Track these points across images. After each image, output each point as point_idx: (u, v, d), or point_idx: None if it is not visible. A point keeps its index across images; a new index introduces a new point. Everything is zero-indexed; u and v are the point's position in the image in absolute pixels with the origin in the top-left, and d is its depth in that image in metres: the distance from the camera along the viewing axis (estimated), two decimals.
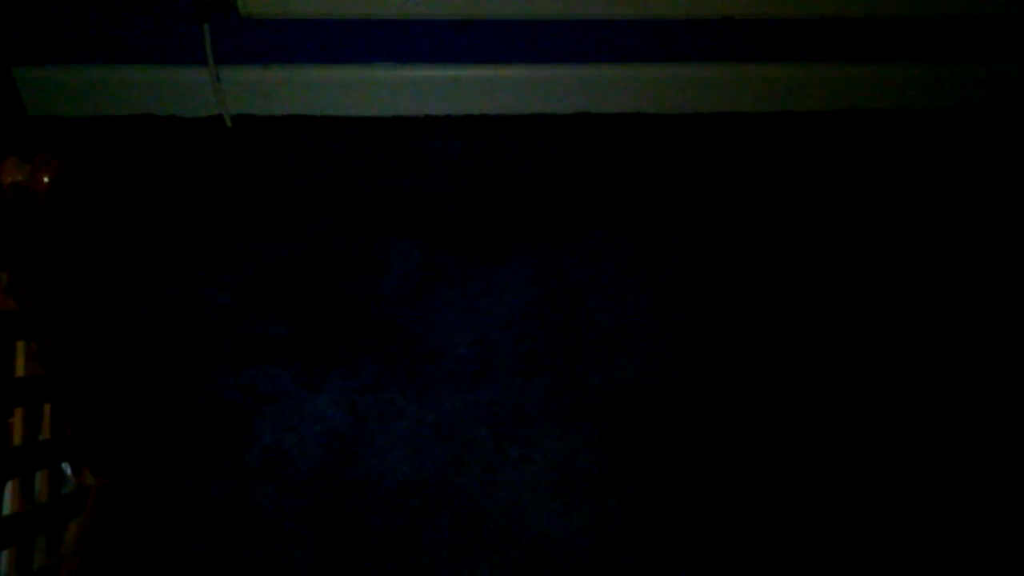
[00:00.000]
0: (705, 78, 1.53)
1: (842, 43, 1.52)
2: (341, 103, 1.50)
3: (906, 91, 1.59)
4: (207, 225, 1.34)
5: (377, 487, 1.07)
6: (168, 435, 1.11)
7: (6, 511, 0.83)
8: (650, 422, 1.14)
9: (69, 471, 0.98)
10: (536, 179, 1.43)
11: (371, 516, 1.05)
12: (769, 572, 1.02)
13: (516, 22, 1.44)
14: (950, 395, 1.19)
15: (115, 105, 1.49)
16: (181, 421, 1.12)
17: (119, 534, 1.02)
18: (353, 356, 1.19)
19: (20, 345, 0.83)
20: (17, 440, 0.82)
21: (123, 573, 1.00)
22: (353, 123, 1.50)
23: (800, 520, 1.06)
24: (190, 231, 1.33)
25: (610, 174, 1.45)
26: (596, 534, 1.04)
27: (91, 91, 1.47)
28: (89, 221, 1.34)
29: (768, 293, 1.29)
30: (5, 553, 0.81)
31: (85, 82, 1.46)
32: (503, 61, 1.49)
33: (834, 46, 1.51)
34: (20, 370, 0.83)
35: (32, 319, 0.82)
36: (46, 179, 0.74)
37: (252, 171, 1.42)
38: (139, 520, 1.03)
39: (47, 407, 0.89)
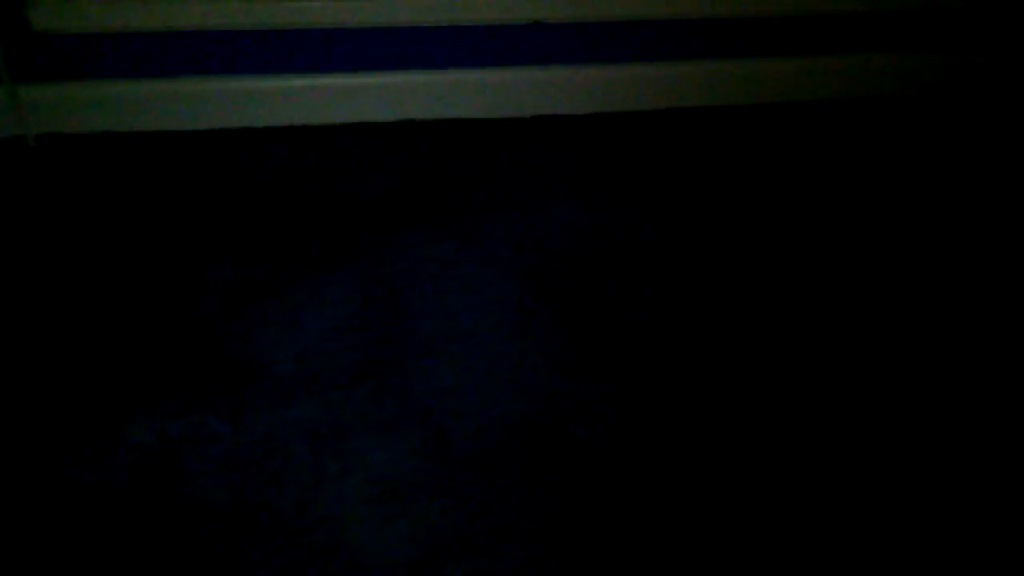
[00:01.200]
0: (527, 80, 1.54)
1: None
2: (151, 118, 1.45)
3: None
4: (7, 251, 1.26)
5: (193, 514, 1.03)
6: None
7: None
8: (474, 427, 1.14)
9: None
10: (360, 187, 1.42)
11: (188, 544, 1.01)
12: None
13: (319, 31, 1.42)
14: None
15: None
16: None
17: None
18: (164, 379, 1.14)
19: None
20: None
21: None
22: (167, 138, 1.45)
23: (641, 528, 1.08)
24: None
25: (434, 179, 1.44)
26: (419, 544, 1.03)
27: None
28: None
29: (603, 290, 1.31)
30: None
31: None
32: (320, 71, 1.47)
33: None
34: None
35: None
36: None
37: (58, 192, 1.35)
38: None
39: None
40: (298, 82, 1.46)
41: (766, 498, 1.11)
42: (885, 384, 1.24)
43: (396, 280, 1.29)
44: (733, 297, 1.32)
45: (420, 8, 1.43)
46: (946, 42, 1.69)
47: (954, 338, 1.31)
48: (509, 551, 1.04)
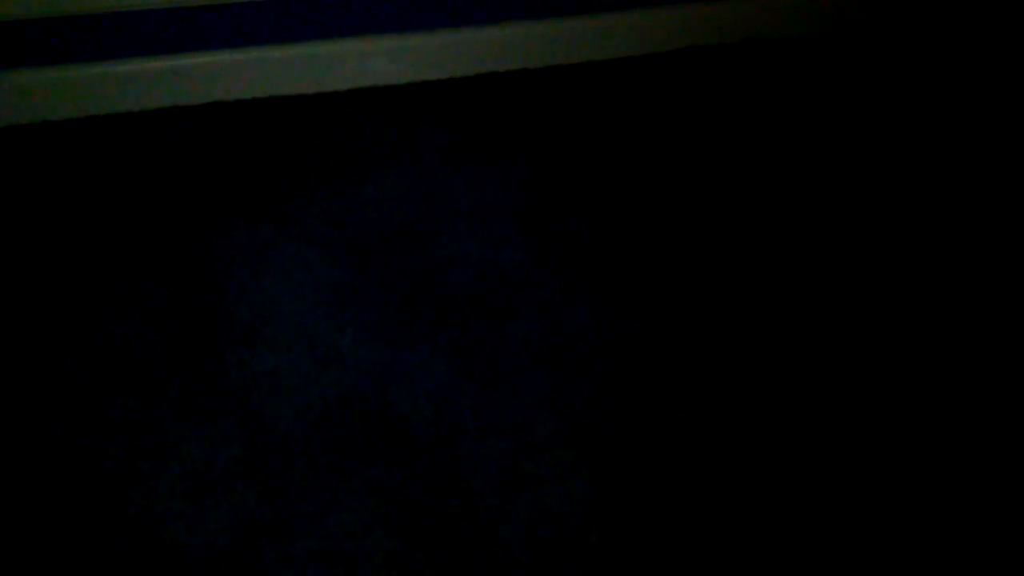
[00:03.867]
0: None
1: None
2: None
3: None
4: None
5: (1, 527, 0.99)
6: None
7: None
8: (292, 408, 1.13)
9: None
10: (172, 175, 1.37)
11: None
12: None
13: (111, 14, 1.37)
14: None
15: None
16: None
17: None
18: None
19: None
20: None
21: None
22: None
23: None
24: None
25: (250, 161, 1.41)
26: (236, 531, 1.02)
27: None
28: None
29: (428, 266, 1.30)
30: None
31: None
32: (118, 57, 1.41)
33: None
34: None
35: None
36: None
37: None
38: None
39: None
40: (93, 70, 1.40)
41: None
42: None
43: (211, 268, 1.26)
44: (557, 251, 1.33)
45: None
46: None
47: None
48: (331, 525, 1.03)
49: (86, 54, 1.40)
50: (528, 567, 1.01)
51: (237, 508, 1.03)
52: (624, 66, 1.65)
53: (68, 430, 1.08)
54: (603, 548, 1.03)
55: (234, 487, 1.05)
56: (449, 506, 1.05)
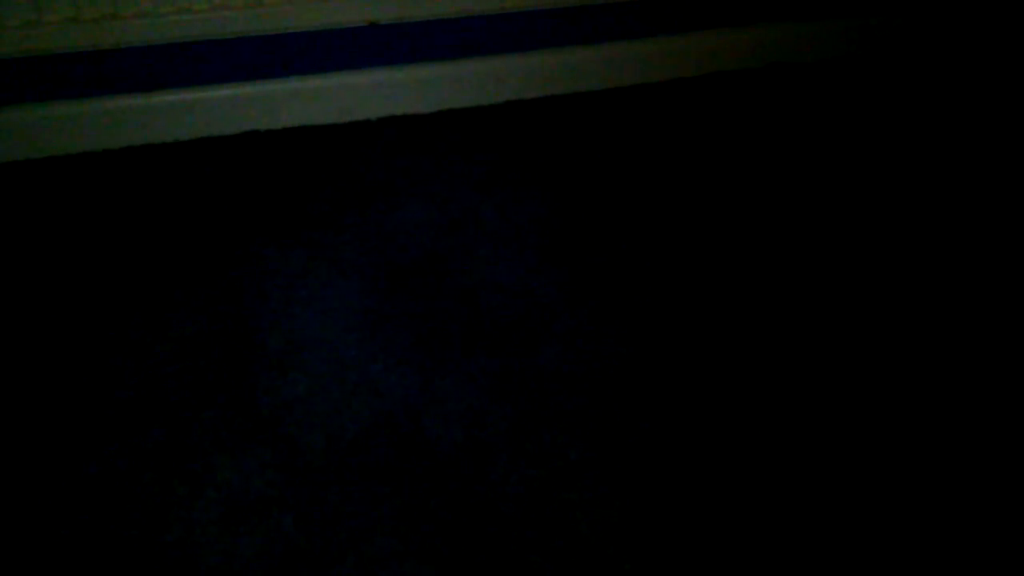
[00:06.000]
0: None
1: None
2: None
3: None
4: None
5: (38, 553, 1.01)
6: None
7: None
8: (325, 434, 1.14)
9: None
10: (206, 204, 1.39)
11: None
12: None
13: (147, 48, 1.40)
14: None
15: None
16: None
17: None
18: None
19: None
20: None
21: None
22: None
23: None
24: None
25: (282, 189, 1.43)
26: (272, 558, 1.02)
27: None
28: None
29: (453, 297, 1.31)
30: None
31: None
32: (152, 89, 1.44)
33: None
34: None
35: None
36: None
37: None
38: None
39: None
40: (131, 102, 1.43)
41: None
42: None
43: (243, 295, 1.28)
44: (587, 277, 1.34)
45: (251, 17, 1.41)
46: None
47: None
48: (366, 551, 1.03)
49: (122, 86, 1.43)
50: None
51: (272, 534, 1.04)
52: (649, 92, 1.66)
53: (102, 460, 1.09)
54: None
55: (269, 513, 1.06)
56: (481, 532, 1.06)
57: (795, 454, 1.15)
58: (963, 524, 1.09)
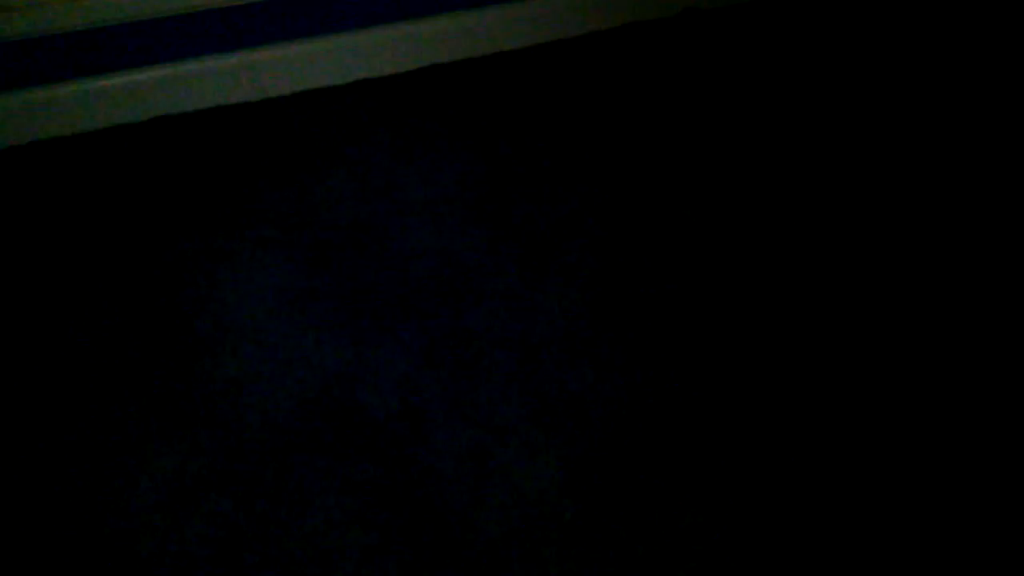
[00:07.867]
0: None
1: None
2: None
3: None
4: None
5: None
6: None
7: None
8: (260, 413, 1.13)
9: None
10: (122, 190, 1.37)
11: None
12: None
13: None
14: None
15: None
16: None
17: None
18: None
19: None
20: None
21: None
22: None
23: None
24: None
25: (198, 171, 1.41)
26: (213, 541, 1.02)
27: None
28: None
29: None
30: None
31: None
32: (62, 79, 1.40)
33: None
34: None
35: None
36: None
37: None
38: None
39: None
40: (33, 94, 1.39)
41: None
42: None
43: (168, 281, 1.26)
44: (512, 235, 1.34)
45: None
46: None
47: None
48: (308, 525, 1.04)
49: (25, 79, 1.39)
50: (505, 548, 1.02)
51: (213, 517, 1.04)
52: (566, 48, 1.66)
53: (34, 453, 1.08)
54: (577, 525, 1.05)
55: (208, 496, 1.06)
56: (422, 496, 1.07)
57: (722, 397, 1.18)
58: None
